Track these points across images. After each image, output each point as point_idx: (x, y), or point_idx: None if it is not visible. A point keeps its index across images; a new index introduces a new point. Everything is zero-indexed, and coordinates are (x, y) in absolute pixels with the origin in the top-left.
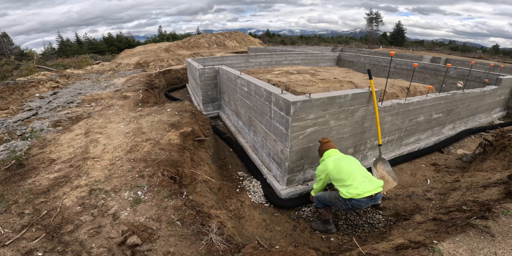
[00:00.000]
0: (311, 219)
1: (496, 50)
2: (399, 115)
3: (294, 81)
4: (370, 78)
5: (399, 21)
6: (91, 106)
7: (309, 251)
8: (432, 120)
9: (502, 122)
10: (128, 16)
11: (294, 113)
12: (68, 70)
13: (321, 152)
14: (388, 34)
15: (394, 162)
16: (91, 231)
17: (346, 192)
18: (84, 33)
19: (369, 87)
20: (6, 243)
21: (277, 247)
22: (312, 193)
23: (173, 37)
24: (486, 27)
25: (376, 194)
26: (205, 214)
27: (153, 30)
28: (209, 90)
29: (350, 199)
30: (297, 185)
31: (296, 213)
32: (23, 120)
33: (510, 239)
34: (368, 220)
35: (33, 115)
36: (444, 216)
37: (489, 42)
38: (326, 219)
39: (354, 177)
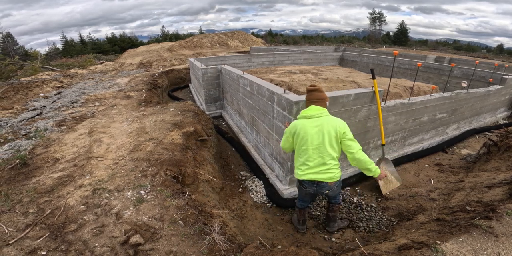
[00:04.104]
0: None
1: (500, 50)
2: (402, 115)
3: (296, 81)
4: (373, 77)
5: (403, 20)
6: (95, 105)
7: (311, 251)
8: (436, 120)
9: (507, 122)
10: (130, 16)
11: (297, 112)
12: (72, 70)
13: (306, 104)
14: (391, 33)
15: (397, 162)
16: (95, 230)
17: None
18: (87, 33)
19: (372, 86)
20: (10, 242)
21: (279, 247)
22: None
23: (175, 37)
24: (490, 26)
25: (320, 182)
26: (207, 213)
27: (155, 30)
28: (212, 90)
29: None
30: None
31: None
32: (28, 119)
33: None
34: (370, 220)
35: (38, 114)
36: (447, 216)
37: (493, 42)
38: (297, 220)
39: (307, 162)
